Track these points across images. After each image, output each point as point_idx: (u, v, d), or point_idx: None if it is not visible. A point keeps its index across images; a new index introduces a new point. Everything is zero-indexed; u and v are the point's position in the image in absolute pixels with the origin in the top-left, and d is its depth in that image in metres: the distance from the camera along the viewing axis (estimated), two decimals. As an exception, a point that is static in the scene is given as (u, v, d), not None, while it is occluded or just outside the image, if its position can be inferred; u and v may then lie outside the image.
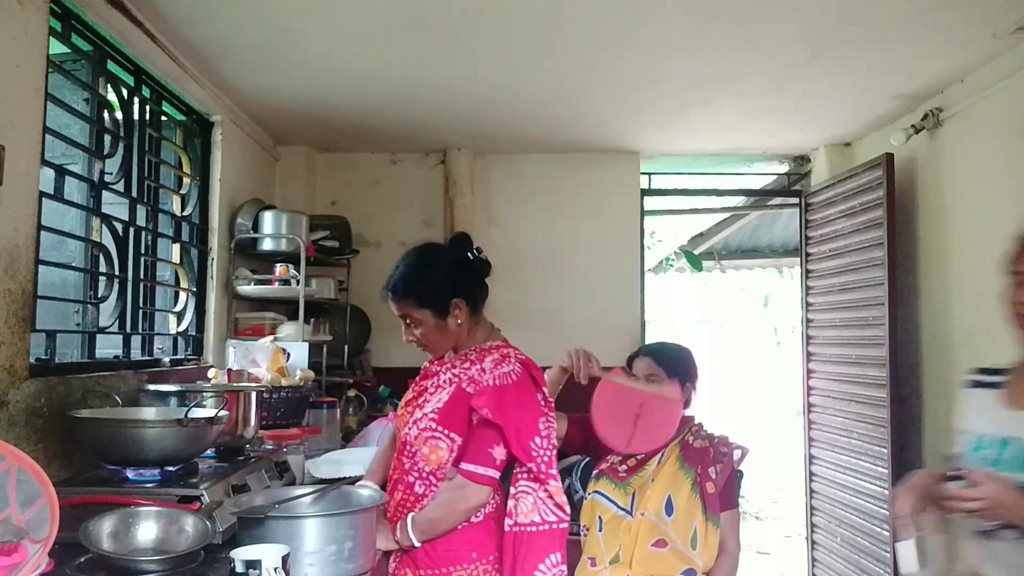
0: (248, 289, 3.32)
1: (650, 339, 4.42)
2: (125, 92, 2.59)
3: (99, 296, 2.39)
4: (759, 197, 4.96)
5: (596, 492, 2.12)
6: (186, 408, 1.92)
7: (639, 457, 2.13)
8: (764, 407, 9.30)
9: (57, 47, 2.15)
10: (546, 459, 1.71)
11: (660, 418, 2.09)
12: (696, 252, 5.94)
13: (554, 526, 1.73)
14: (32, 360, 1.95)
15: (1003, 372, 1.63)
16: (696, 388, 2.25)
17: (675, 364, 2.21)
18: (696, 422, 2.25)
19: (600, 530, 2.07)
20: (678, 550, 2.02)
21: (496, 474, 1.71)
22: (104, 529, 1.43)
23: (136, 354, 2.66)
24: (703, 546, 2.04)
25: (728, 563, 2.09)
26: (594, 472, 2.19)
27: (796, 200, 4.25)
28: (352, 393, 3.35)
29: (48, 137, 2.03)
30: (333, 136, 3.90)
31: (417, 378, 1.93)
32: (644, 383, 2.14)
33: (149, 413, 2.03)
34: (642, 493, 2.06)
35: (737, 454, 2.16)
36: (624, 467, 2.14)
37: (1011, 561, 1.42)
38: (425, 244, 1.89)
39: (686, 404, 2.18)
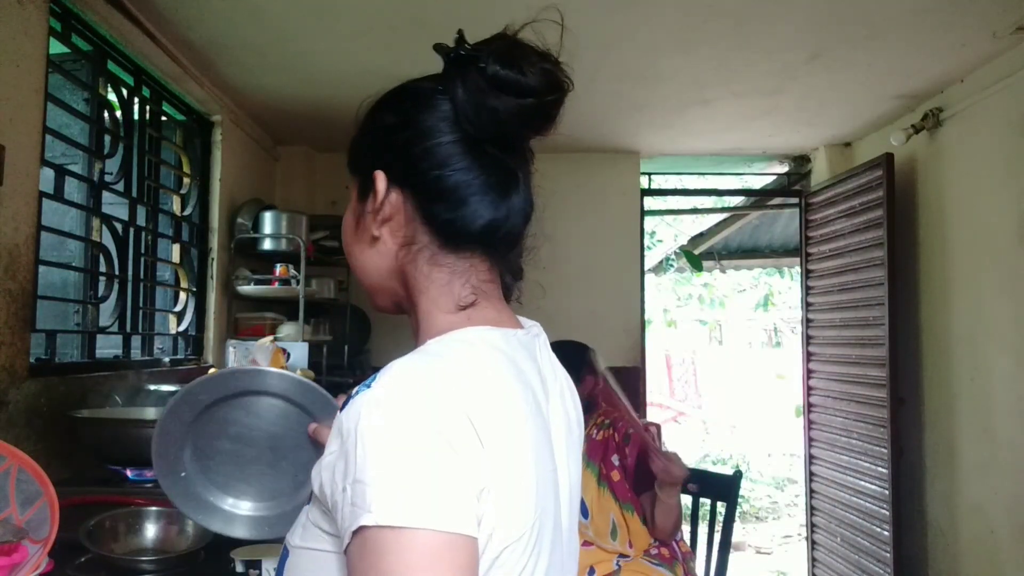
0: (248, 289, 3.32)
1: (649, 339, 4.43)
2: (125, 92, 2.59)
3: (99, 296, 2.39)
4: (759, 197, 4.96)
5: None
6: (186, 408, 1.92)
7: None
8: (764, 407, 9.31)
9: (57, 47, 2.15)
10: None
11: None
12: (696, 252, 5.94)
13: None
14: (32, 360, 1.96)
15: None
16: (588, 378, 2.25)
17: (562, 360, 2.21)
18: (600, 410, 2.24)
19: None
20: (601, 547, 2.03)
21: None
22: (104, 529, 1.43)
23: (136, 354, 2.66)
24: (630, 535, 2.05)
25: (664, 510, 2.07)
26: None
27: (796, 200, 4.25)
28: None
29: (48, 137, 2.03)
30: (333, 136, 3.90)
31: None
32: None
33: (149, 413, 2.03)
34: None
35: (652, 431, 2.16)
36: None
37: None
38: None
39: (587, 391, 2.20)
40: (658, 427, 2.24)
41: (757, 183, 4.88)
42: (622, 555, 2.04)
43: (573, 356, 2.24)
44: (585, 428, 2.11)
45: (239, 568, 1.23)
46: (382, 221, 0.76)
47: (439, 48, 0.76)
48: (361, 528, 0.59)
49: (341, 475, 0.62)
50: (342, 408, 0.66)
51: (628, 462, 2.09)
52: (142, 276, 2.69)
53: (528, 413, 0.71)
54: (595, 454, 2.11)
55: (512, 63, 0.72)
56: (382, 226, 0.77)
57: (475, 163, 0.74)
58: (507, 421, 0.68)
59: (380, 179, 0.76)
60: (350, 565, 0.61)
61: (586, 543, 2.06)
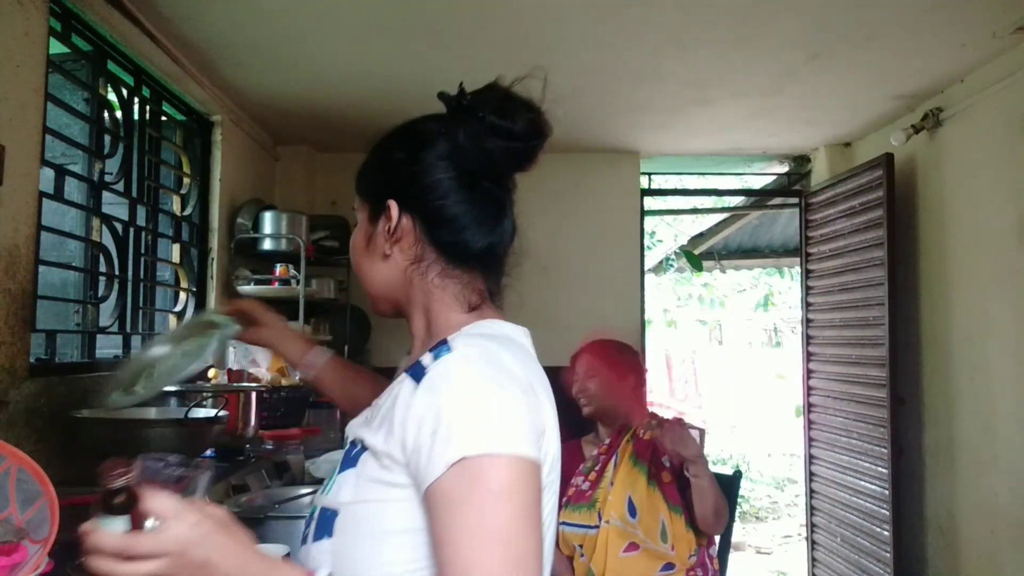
0: (248, 289, 3.32)
1: (649, 338, 4.43)
2: (125, 92, 2.59)
3: (99, 296, 2.39)
4: (759, 197, 4.96)
5: (563, 524, 2.10)
6: (186, 408, 1.93)
7: (597, 468, 2.14)
8: (764, 407, 9.31)
9: (57, 47, 2.15)
10: None
11: None
12: (696, 252, 5.94)
13: None
14: (32, 360, 1.95)
15: None
16: (639, 374, 2.30)
17: (614, 357, 2.23)
18: (648, 411, 2.25)
19: (583, 556, 2.07)
20: (650, 549, 2.01)
21: None
22: (104, 529, 1.43)
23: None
24: (674, 538, 2.03)
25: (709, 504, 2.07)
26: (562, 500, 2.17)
27: (796, 200, 4.25)
28: (352, 393, 3.34)
29: (48, 137, 2.03)
30: (333, 136, 3.90)
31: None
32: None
33: (149, 413, 2.03)
34: (604, 500, 2.06)
35: (695, 435, 2.16)
36: (587, 483, 2.14)
37: None
38: None
39: (635, 389, 2.23)
40: (700, 431, 2.25)
41: (757, 183, 4.88)
42: (667, 565, 2.03)
43: (616, 350, 2.30)
44: (631, 428, 2.14)
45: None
46: (394, 241, 0.92)
47: (443, 96, 0.93)
48: (462, 459, 0.74)
49: (432, 420, 0.76)
50: (421, 373, 0.81)
51: (676, 462, 2.08)
52: (142, 276, 2.69)
53: (547, 388, 0.90)
54: (643, 454, 2.11)
55: (505, 113, 0.89)
56: (393, 246, 0.92)
57: (471, 195, 0.90)
58: (542, 387, 0.88)
59: (394, 207, 0.91)
60: (443, 495, 0.74)
61: (631, 546, 2.01)
